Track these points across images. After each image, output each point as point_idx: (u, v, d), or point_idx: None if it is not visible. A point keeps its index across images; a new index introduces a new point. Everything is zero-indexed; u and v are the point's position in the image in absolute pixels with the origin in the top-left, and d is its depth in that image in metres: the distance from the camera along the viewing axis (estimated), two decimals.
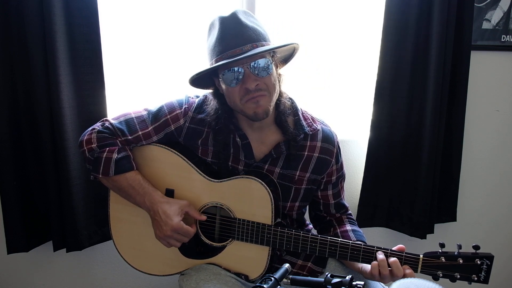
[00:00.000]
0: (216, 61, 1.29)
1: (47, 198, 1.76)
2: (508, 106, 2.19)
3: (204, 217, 1.41)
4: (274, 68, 1.33)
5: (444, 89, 1.94)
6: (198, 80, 1.37)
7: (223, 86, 1.34)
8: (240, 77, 1.28)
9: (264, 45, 1.29)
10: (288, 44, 1.33)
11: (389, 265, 1.27)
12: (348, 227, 1.52)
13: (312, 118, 1.50)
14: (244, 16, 1.31)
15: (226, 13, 1.31)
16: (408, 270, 1.26)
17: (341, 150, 1.56)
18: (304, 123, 1.45)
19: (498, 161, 2.25)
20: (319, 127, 1.48)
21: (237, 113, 1.42)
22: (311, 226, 1.66)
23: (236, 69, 1.27)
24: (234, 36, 1.27)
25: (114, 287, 2.06)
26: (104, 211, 1.53)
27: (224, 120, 1.40)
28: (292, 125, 1.43)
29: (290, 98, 1.46)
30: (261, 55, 1.28)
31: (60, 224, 1.78)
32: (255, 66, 1.28)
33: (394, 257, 1.28)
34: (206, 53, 1.37)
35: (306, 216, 1.65)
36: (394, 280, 1.27)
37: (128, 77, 1.98)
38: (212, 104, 1.41)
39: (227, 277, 1.40)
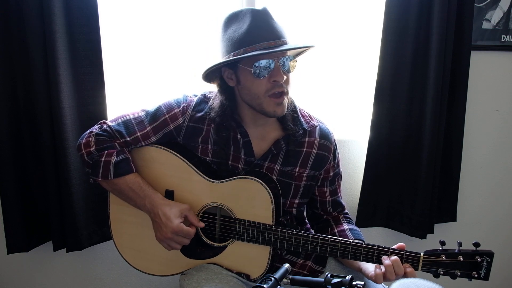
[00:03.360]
0: (246, 51, 1.28)
1: (47, 198, 1.76)
2: (508, 106, 2.19)
3: (201, 224, 1.41)
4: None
5: (444, 89, 1.94)
6: (208, 72, 1.38)
7: (245, 78, 1.33)
8: (270, 69, 1.29)
9: (287, 43, 1.32)
10: (313, 46, 1.37)
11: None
12: (346, 226, 1.52)
13: (310, 116, 1.52)
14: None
15: (258, 7, 1.33)
16: (409, 269, 1.27)
17: (341, 150, 1.57)
18: (302, 120, 1.47)
19: (498, 161, 2.25)
20: (316, 124, 1.51)
21: (241, 109, 1.42)
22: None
23: (267, 61, 1.28)
24: (268, 29, 1.30)
25: (114, 287, 2.06)
26: (104, 211, 1.53)
27: (229, 117, 1.40)
28: (291, 122, 1.44)
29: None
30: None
31: (60, 224, 1.78)
32: (285, 61, 1.31)
33: (394, 255, 1.28)
34: (224, 43, 1.35)
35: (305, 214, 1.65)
36: (395, 279, 1.27)
37: (128, 77, 1.98)
38: (217, 99, 1.41)
39: (228, 276, 1.40)
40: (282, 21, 1.36)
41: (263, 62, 1.28)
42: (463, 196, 2.18)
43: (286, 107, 1.37)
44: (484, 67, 2.11)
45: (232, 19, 1.33)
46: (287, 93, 1.35)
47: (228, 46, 1.32)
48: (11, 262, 1.92)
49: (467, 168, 2.17)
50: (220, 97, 1.41)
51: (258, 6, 1.93)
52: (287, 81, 1.34)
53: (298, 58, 1.39)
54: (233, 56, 1.30)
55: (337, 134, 1.57)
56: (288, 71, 1.33)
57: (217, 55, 1.40)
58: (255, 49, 1.27)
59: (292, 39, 1.36)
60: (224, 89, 1.40)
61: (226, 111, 1.39)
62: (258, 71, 1.29)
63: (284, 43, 1.31)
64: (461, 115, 2.04)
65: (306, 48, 1.36)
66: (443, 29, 1.87)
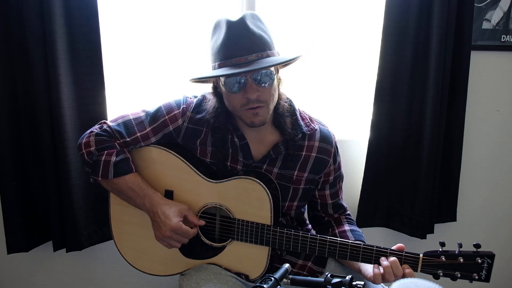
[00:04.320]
0: (219, 66, 1.28)
1: (47, 198, 1.76)
2: (508, 106, 2.19)
3: (202, 222, 1.41)
4: (275, 77, 1.32)
5: (444, 89, 1.94)
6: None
7: (223, 89, 1.33)
8: (242, 85, 1.28)
9: (269, 55, 1.28)
10: (293, 59, 1.31)
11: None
12: (347, 227, 1.52)
13: (310, 118, 1.50)
14: (252, 21, 1.29)
15: (235, 17, 1.28)
16: (408, 270, 1.26)
17: (341, 151, 1.56)
18: (302, 123, 1.45)
19: (498, 161, 2.25)
20: (316, 127, 1.49)
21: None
22: (310, 226, 1.66)
23: (237, 78, 1.27)
24: (240, 44, 1.26)
25: (114, 287, 2.06)
26: (104, 211, 1.53)
27: (223, 119, 1.40)
28: (290, 126, 1.44)
29: (288, 99, 1.46)
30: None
31: (60, 224, 1.78)
32: (258, 76, 1.28)
33: (393, 256, 1.28)
34: (209, 52, 1.36)
35: (306, 215, 1.65)
36: (394, 280, 1.27)
37: (128, 77, 1.98)
38: (211, 102, 1.41)
39: (228, 276, 1.40)
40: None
41: (232, 80, 1.27)
42: (463, 196, 2.18)
43: (266, 117, 1.35)
44: (484, 67, 2.11)
45: (216, 28, 1.32)
46: (266, 106, 1.32)
47: (210, 55, 1.34)
48: (11, 262, 1.92)
49: (467, 168, 2.17)
50: (213, 100, 1.41)
51: (258, 6, 1.96)
52: (266, 94, 1.31)
53: (297, 60, 1.36)
54: (212, 68, 1.32)
55: (337, 134, 1.56)
56: (266, 84, 1.29)
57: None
58: (226, 64, 1.27)
59: (277, 48, 1.32)
60: (216, 93, 1.41)
61: (219, 113, 1.39)
62: (227, 86, 1.29)
63: (260, 57, 1.26)
64: (461, 115, 2.04)
65: (276, 64, 1.28)
66: (443, 29, 1.87)
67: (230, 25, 1.27)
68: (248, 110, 1.31)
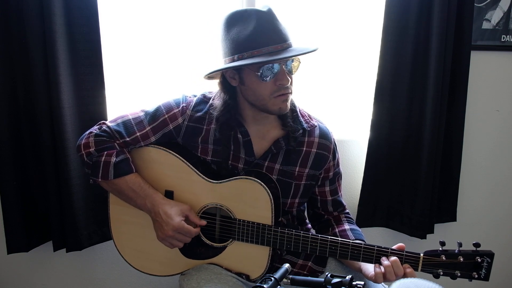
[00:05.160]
0: (253, 54, 1.27)
1: (47, 198, 1.76)
2: (508, 106, 2.19)
3: (203, 223, 1.41)
4: None
5: (444, 89, 1.94)
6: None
7: (249, 80, 1.33)
8: (275, 72, 1.30)
9: (292, 45, 1.33)
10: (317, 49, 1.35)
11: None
12: (346, 226, 1.53)
13: (309, 116, 1.53)
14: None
15: (262, 8, 1.32)
16: (409, 269, 1.27)
17: (341, 151, 1.56)
18: (302, 119, 1.47)
19: (498, 161, 2.24)
20: (315, 123, 1.51)
21: (242, 108, 1.42)
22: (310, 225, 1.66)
23: (272, 64, 1.29)
24: (274, 31, 1.29)
25: (114, 287, 2.06)
26: (104, 211, 1.53)
27: (230, 115, 1.40)
28: (291, 120, 1.45)
29: None
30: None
31: (60, 224, 1.78)
32: (290, 64, 1.32)
33: (394, 256, 1.28)
34: (227, 43, 1.32)
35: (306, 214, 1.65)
36: (395, 279, 1.27)
37: (128, 77, 1.98)
38: (221, 97, 1.41)
39: (228, 277, 1.40)
40: (283, 20, 1.35)
41: (270, 67, 1.28)
42: (463, 196, 2.18)
43: (289, 105, 1.38)
44: (484, 67, 2.11)
45: (235, 19, 1.31)
46: (291, 92, 1.37)
47: (232, 47, 1.31)
48: (11, 262, 1.92)
49: (467, 168, 2.17)
50: (223, 96, 1.40)
51: (258, 5, 1.95)
52: (291, 82, 1.35)
53: (300, 58, 1.39)
54: (238, 58, 1.29)
55: (337, 134, 1.57)
56: (292, 73, 1.35)
57: (218, 54, 1.39)
58: (262, 52, 1.27)
59: (296, 40, 1.35)
60: (227, 88, 1.40)
61: (230, 109, 1.39)
62: (264, 75, 1.29)
63: (289, 46, 1.31)
64: (461, 115, 2.04)
65: (312, 51, 1.35)
66: (443, 29, 1.87)
67: (261, 14, 1.29)
68: (278, 97, 1.33)
